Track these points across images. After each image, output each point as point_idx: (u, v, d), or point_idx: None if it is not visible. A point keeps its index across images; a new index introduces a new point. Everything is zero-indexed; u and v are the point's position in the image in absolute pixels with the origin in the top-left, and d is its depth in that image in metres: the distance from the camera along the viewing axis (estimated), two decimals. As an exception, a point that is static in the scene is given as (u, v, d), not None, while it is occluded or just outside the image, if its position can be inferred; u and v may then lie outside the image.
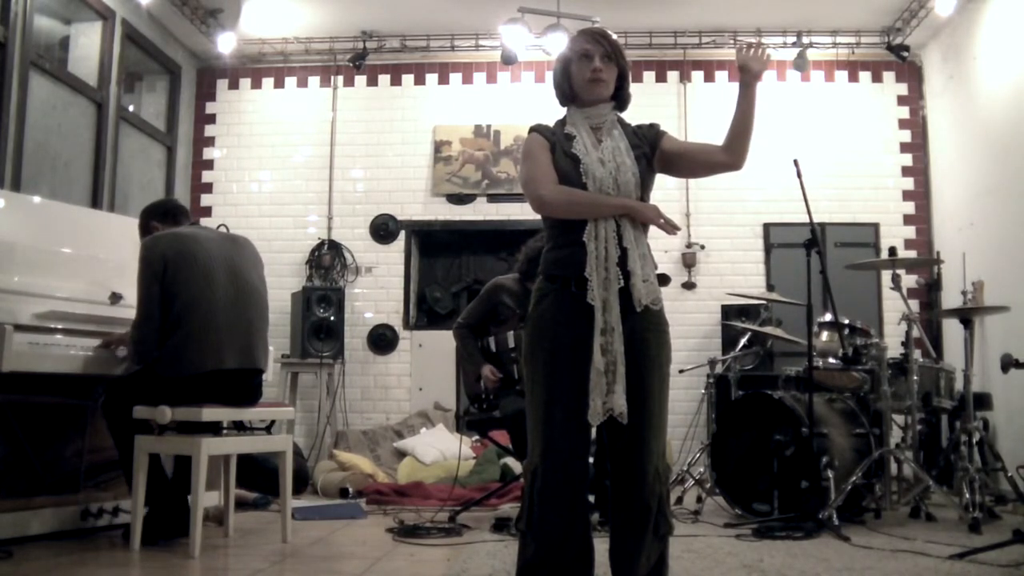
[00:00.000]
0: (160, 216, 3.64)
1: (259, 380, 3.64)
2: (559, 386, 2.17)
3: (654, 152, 2.33)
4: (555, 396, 2.17)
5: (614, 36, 2.37)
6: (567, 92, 2.35)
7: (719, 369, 5.15)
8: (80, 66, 5.55)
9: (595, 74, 2.28)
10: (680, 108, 6.75)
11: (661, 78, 6.82)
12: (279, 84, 7.00)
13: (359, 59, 6.67)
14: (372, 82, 6.95)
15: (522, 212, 6.62)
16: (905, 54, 6.44)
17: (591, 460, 3.58)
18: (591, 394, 2.13)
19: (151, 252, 3.39)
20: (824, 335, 4.54)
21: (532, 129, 2.34)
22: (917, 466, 4.30)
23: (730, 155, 2.28)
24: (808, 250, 4.07)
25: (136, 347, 3.42)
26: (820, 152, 6.52)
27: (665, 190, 6.24)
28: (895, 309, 5.78)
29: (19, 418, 3.47)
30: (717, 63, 6.81)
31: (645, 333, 2.21)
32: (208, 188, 6.92)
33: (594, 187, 2.20)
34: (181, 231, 3.56)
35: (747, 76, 2.23)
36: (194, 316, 3.36)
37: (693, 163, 2.38)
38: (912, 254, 6.44)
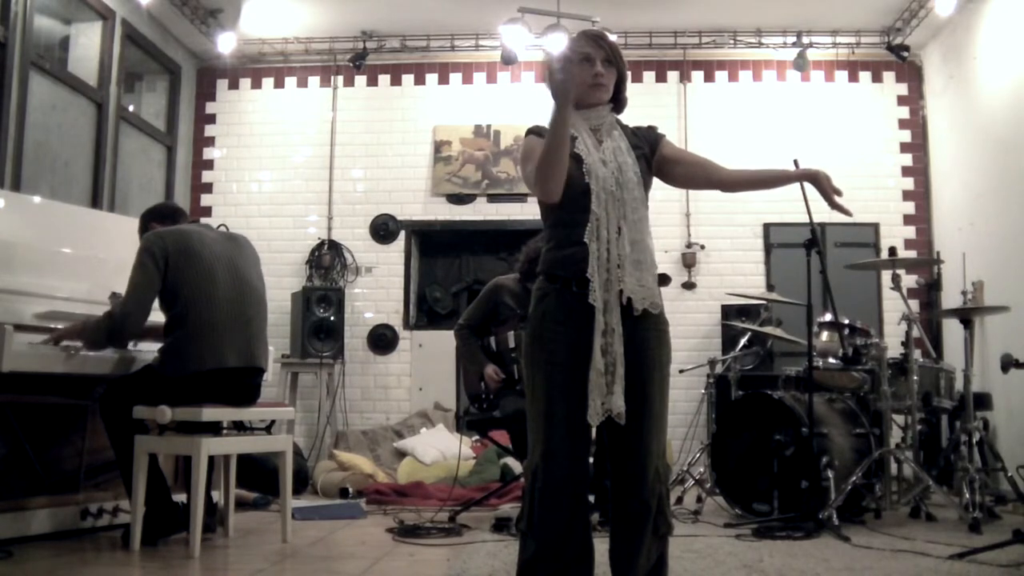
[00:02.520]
0: (160, 218, 3.64)
1: (259, 379, 3.64)
2: (559, 386, 2.17)
3: (653, 153, 2.34)
4: (555, 396, 2.17)
5: (613, 38, 2.37)
6: None
7: (719, 369, 5.16)
8: (80, 66, 5.55)
9: (597, 79, 2.28)
10: (680, 108, 6.75)
11: (661, 78, 6.82)
12: (279, 84, 7.00)
13: (359, 59, 6.67)
14: (372, 82, 6.95)
15: (522, 212, 6.62)
16: (905, 54, 6.44)
17: (591, 460, 3.58)
18: (590, 394, 2.13)
19: (154, 244, 3.39)
20: (824, 335, 4.54)
21: (530, 131, 2.33)
22: (917, 466, 4.30)
23: (728, 188, 2.44)
24: (808, 250, 4.07)
25: (110, 322, 3.29)
26: (820, 152, 6.51)
27: (665, 189, 6.17)
28: (895, 309, 5.77)
29: (19, 418, 3.47)
30: (717, 63, 6.81)
31: (645, 333, 2.21)
32: (208, 188, 6.93)
33: (597, 186, 2.19)
34: (185, 228, 3.56)
35: (803, 179, 2.40)
36: (196, 315, 3.36)
37: (689, 174, 2.40)
38: (912, 254, 6.44)
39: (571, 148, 2.24)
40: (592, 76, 2.28)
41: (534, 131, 2.32)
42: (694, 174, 2.40)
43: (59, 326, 3.37)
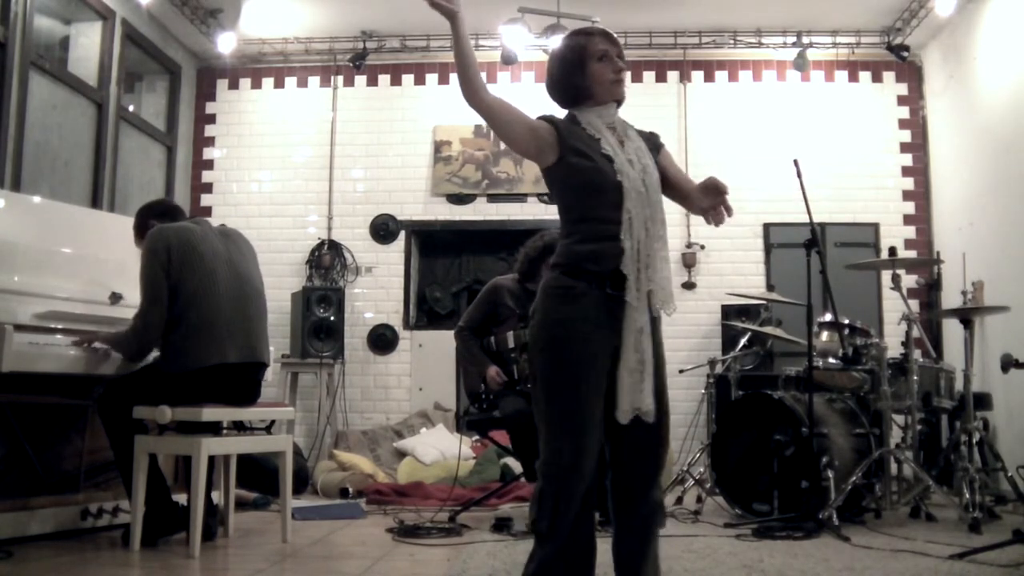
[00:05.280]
0: (158, 215, 3.64)
1: (261, 375, 3.64)
2: (590, 388, 2.15)
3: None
4: (587, 397, 2.15)
5: None
6: (584, 92, 2.31)
7: (719, 369, 5.15)
8: (80, 66, 5.55)
9: (619, 75, 2.29)
10: (680, 108, 6.75)
11: (661, 78, 6.82)
12: (279, 84, 7.00)
13: (359, 59, 6.67)
14: (372, 82, 6.95)
15: (522, 212, 6.62)
16: (905, 54, 6.44)
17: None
18: (620, 393, 2.14)
19: (156, 243, 3.40)
20: (824, 335, 4.53)
21: (541, 117, 2.29)
22: (917, 466, 4.30)
23: (695, 210, 2.35)
24: (808, 250, 4.07)
25: (137, 336, 3.39)
26: (820, 152, 6.52)
27: (665, 190, 6.24)
28: (895, 309, 5.77)
29: (19, 418, 3.47)
30: (717, 63, 6.81)
31: (657, 334, 2.24)
32: (208, 188, 6.93)
33: (629, 185, 2.19)
34: (186, 225, 3.56)
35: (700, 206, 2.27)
36: (197, 311, 3.37)
37: (672, 189, 2.38)
38: (912, 254, 6.43)
39: (598, 148, 2.23)
40: (615, 72, 2.29)
41: (546, 116, 2.30)
42: (676, 190, 2.38)
43: (59, 326, 3.38)
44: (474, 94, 2.22)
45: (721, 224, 2.26)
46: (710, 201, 2.22)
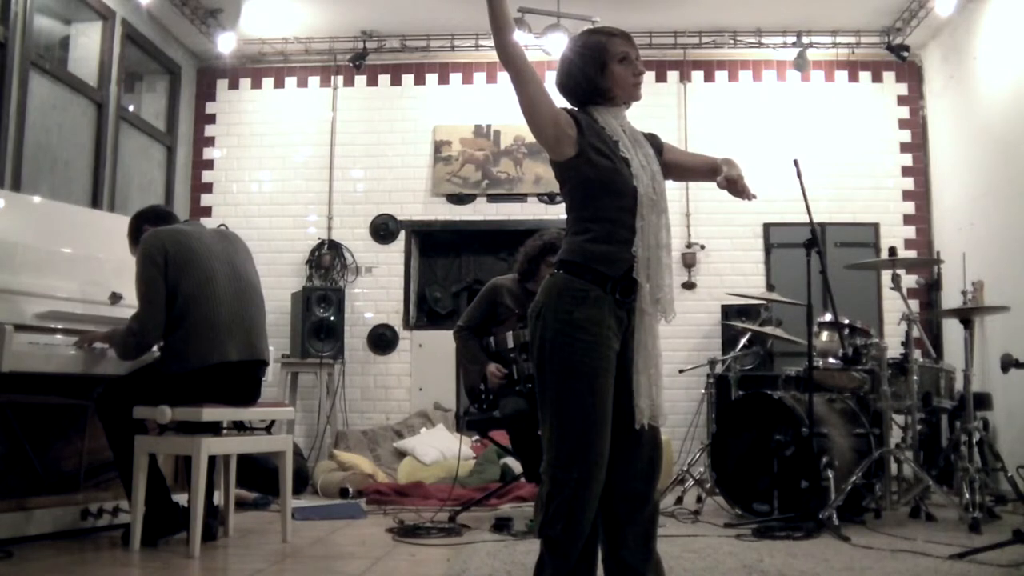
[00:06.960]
0: (152, 220, 3.65)
1: (262, 372, 3.65)
2: (607, 392, 2.15)
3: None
4: (605, 402, 2.14)
5: None
6: (603, 92, 2.30)
7: (719, 369, 5.15)
8: (80, 66, 5.55)
9: (638, 78, 2.30)
10: (680, 108, 6.75)
11: (661, 78, 6.82)
12: (279, 84, 7.00)
13: (359, 59, 6.67)
14: (372, 82, 6.96)
15: (522, 212, 6.62)
16: (905, 54, 6.44)
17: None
18: (638, 396, 2.15)
19: (151, 246, 3.40)
20: (824, 335, 4.54)
21: (562, 108, 2.27)
22: (917, 466, 4.29)
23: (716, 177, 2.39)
24: (808, 250, 4.07)
25: (135, 338, 3.37)
26: (820, 152, 6.52)
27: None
28: (895, 309, 5.77)
29: (19, 418, 3.47)
30: (717, 63, 6.81)
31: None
32: (208, 188, 6.93)
33: (643, 192, 2.20)
34: (180, 227, 3.57)
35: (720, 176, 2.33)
36: (196, 312, 3.37)
37: (691, 172, 2.47)
38: (912, 254, 6.44)
39: (617, 150, 2.24)
40: (635, 76, 2.30)
41: (567, 109, 2.30)
42: (692, 172, 2.48)
43: (59, 326, 3.38)
44: (504, 46, 2.26)
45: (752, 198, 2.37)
46: (733, 188, 2.33)
